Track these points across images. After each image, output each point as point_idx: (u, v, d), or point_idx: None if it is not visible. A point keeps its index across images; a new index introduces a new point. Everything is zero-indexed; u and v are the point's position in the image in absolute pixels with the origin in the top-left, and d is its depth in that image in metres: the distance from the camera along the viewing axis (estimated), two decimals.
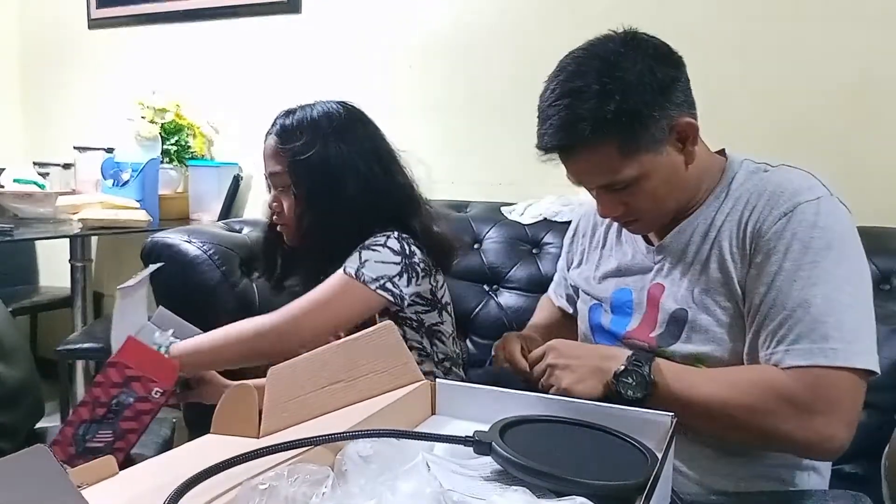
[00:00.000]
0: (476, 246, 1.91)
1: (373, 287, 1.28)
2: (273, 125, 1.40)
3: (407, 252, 1.32)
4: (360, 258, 1.29)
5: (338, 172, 1.33)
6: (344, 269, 1.29)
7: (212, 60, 2.85)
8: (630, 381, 0.97)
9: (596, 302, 1.24)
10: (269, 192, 1.42)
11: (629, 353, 1.02)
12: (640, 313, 1.14)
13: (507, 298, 1.82)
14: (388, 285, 1.29)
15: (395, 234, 1.33)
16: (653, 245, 1.15)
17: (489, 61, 2.21)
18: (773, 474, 1.07)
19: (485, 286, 1.86)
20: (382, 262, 1.29)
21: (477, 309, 1.84)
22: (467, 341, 1.81)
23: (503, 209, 1.98)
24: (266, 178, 1.40)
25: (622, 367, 0.99)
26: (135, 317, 1.32)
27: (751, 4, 1.88)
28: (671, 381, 0.99)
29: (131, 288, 1.28)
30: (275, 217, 1.39)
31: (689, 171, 1.06)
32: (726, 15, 1.90)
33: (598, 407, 0.79)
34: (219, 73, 2.83)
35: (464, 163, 2.16)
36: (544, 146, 1.04)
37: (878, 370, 0.93)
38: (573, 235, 1.38)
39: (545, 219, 1.90)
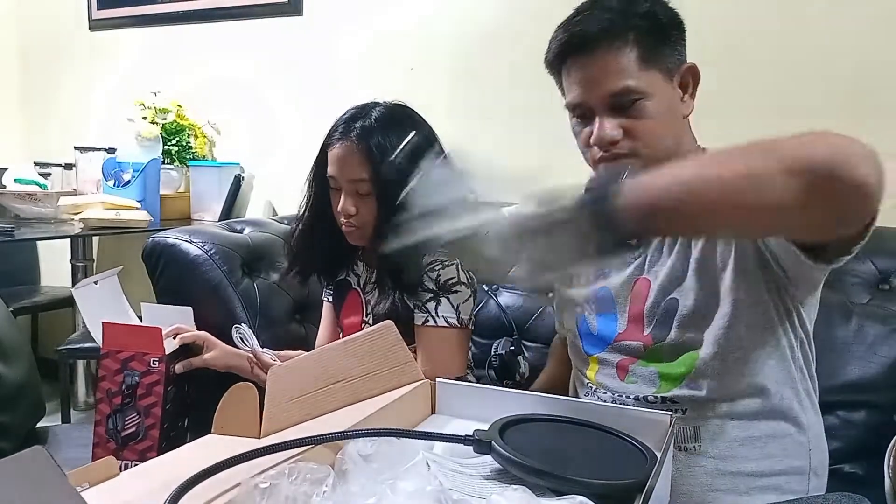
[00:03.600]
0: None
1: (471, 326, 1.39)
2: (347, 130, 1.35)
3: (470, 280, 1.38)
4: (452, 304, 1.34)
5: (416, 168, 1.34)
6: (446, 321, 1.34)
7: (213, 61, 2.85)
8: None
9: (580, 307, 1.20)
10: (334, 196, 1.39)
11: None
12: (625, 312, 1.14)
13: (508, 298, 1.82)
14: (473, 316, 1.39)
15: (456, 262, 1.36)
16: None
17: (490, 63, 2.20)
18: (772, 485, 1.06)
19: (484, 286, 1.86)
20: (466, 301, 1.36)
21: (477, 309, 1.84)
22: None
23: (503, 209, 1.98)
24: (336, 181, 1.37)
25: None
26: (110, 307, 1.35)
27: (750, 4, 1.88)
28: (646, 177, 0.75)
29: (90, 288, 1.31)
30: (346, 219, 1.37)
31: (684, 123, 1.09)
32: (726, 15, 1.90)
33: (598, 406, 0.79)
34: (220, 74, 2.83)
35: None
36: (567, 38, 1.04)
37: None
38: None
39: None
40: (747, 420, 1.06)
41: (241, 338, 1.36)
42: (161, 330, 1.28)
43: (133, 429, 1.22)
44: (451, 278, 1.34)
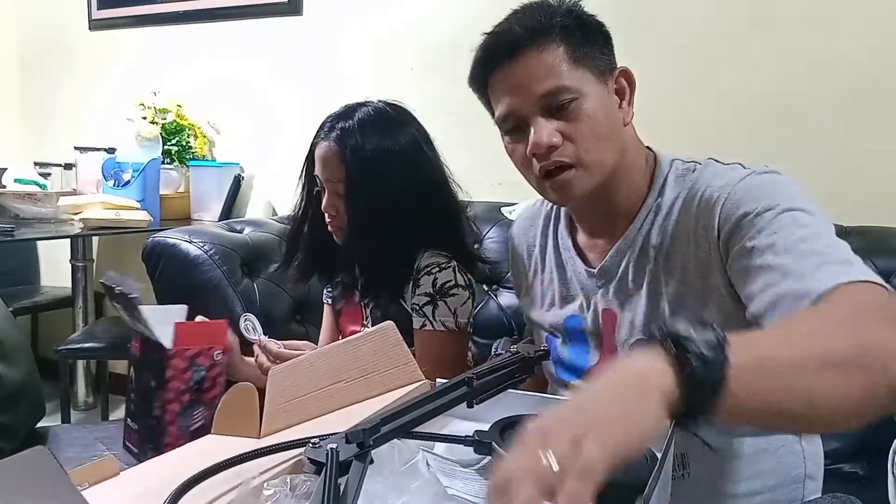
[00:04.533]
0: (476, 246, 1.91)
1: (468, 329, 1.38)
2: (330, 130, 1.35)
3: (468, 282, 1.37)
4: (450, 308, 1.34)
5: (397, 176, 1.34)
6: (443, 325, 1.33)
7: (213, 61, 2.85)
8: (695, 348, 0.58)
9: (549, 332, 1.16)
10: (323, 194, 1.38)
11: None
12: (596, 343, 1.09)
13: (508, 298, 1.82)
14: (471, 318, 1.38)
15: (454, 264, 1.36)
16: (592, 268, 1.08)
17: None
18: (766, 500, 1.03)
19: (484, 286, 1.86)
20: (463, 304, 1.35)
21: (477, 309, 1.84)
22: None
23: (503, 209, 1.98)
24: (320, 181, 1.37)
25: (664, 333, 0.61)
26: (166, 311, 1.33)
27: (751, 7, 1.88)
28: (742, 346, 0.61)
29: (158, 309, 1.30)
30: (329, 220, 1.37)
31: (626, 132, 1.03)
32: (726, 18, 1.90)
33: None
34: (220, 74, 2.83)
35: (464, 163, 2.16)
36: (491, 43, 1.00)
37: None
38: (511, 263, 1.29)
39: None
40: (737, 439, 1.02)
41: (249, 327, 1.35)
42: (227, 322, 1.28)
43: (201, 422, 1.23)
44: (448, 281, 1.34)
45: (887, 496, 0.87)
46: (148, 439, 1.24)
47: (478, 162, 2.14)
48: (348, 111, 1.38)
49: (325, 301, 1.58)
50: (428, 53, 2.34)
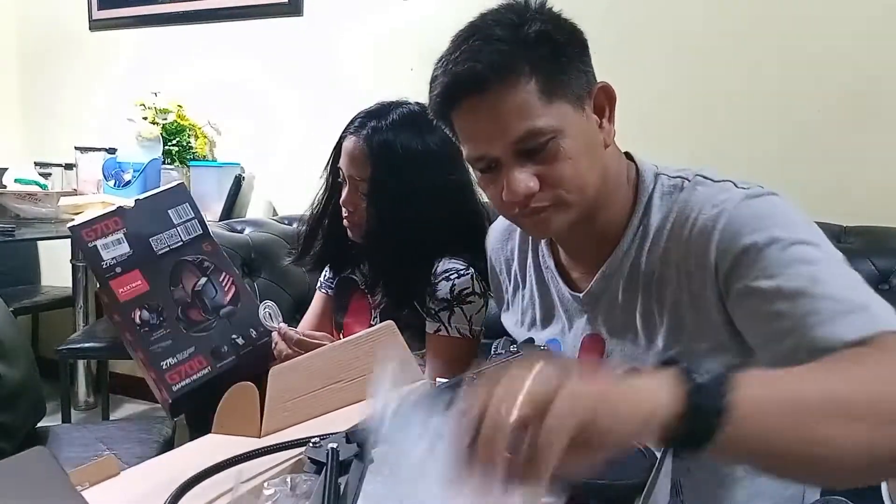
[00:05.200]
0: None
1: (481, 337, 1.37)
2: (361, 126, 1.33)
3: (483, 290, 1.36)
4: (465, 315, 1.33)
5: (424, 179, 1.32)
6: (459, 331, 1.33)
7: (214, 62, 2.85)
8: (698, 378, 0.57)
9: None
10: (343, 187, 1.36)
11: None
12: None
13: None
14: (483, 326, 1.37)
15: (472, 272, 1.35)
16: (576, 291, 1.01)
17: None
18: None
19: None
20: (478, 311, 1.35)
21: None
22: None
23: None
24: (343, 174, 1.35)
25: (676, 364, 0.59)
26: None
27: (751, 8, 1.88)
28: (758, 375, 0.60)
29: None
30: (347, 214, 1.36)
31: (607, 154, 0.93)
32: (727, 19, 1.90)
33: None
34: (221, 75, 2.83)
35: None
36: (452, 80, 0.87)
37: None
38: (490, 275, 1.22)
39: None
40: (731, 463, 0.95)
41: (269, 314, 1.29)
42: None
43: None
44: (466, 288, 1.33)
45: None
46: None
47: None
48: (382, 109, 1.35)
49: (321, 289, 1.56)
50: (428, 53, 2.33)
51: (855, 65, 1.76)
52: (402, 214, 1.32)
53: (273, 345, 1.30)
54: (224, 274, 1.27)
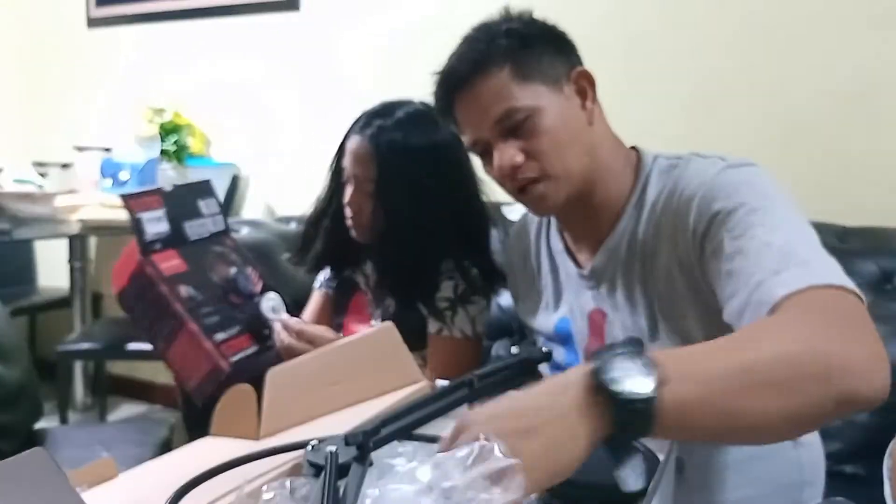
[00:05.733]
0: None
1: (483, 338, 1.38)
2: (366, 126, 1.32)
3: (487, 291, 1.37)
4: (469, 315, 1.33)
5: (432, 179, 1.31)
6: (462, 332, 1.33)
7: (211, 59, 2.85)
8: (617, 372, 0.59)
9: (544, 338, 1.17)
10: (347, 187, 1.35)
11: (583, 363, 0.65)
12: (583, 345, 1.09)
13: (508, 299, 1.81)
14: (485, 328, 1.38)
15: (475, 272, 1.35)
16: (582, 268, 1.09)
17: None
18: None
19: None
20: (482, 312, 1.36)
21: None
22: None
23: (503, 209, 1.98)
24: (347, 174, 1.34)
25: (594, 366, 0.60)
26: None
27: (751, 4, 1.88)
28: (676, 362, 0.63)
29: None
30: (351, 215, 1.34)
31: (594, 132, 1.03)
32: (727, 16, 1.90)
33: None
34: (217, 72, 2.82)
35: None
36: (443, 80, 1.04)
37: (863, 298, 0.79)
38: (508, 272, 1.31)
39: None
40: (734, 447, 1.00)
41: (271, 307, 1.28)
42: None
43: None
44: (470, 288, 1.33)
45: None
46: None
47: (478, 162, 2.13)
48: (387, 109, 1.34)
49: (321, 288, 1.54)
50: (427, 52, 2.33)
51: (855, 64, 1.76)
52: (411, 213, 1.31)
53: (276, 335, 1.27)
54: (250, 268, 1.29)
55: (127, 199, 1.18)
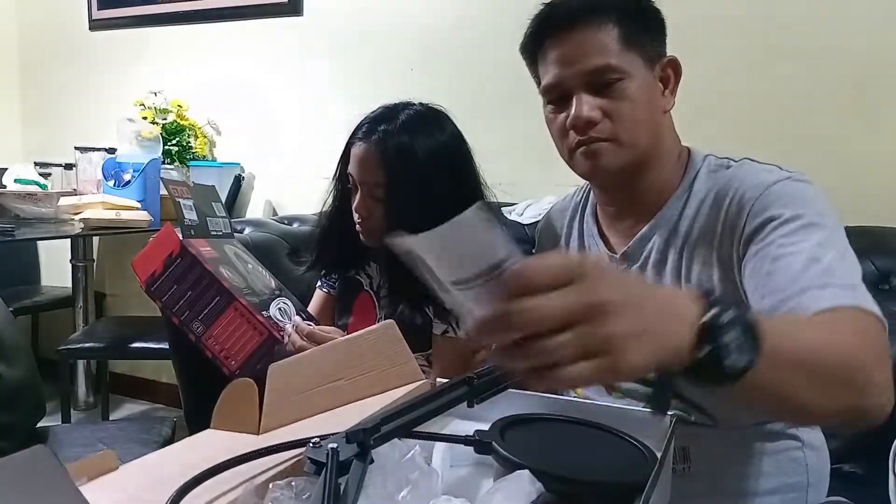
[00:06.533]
0: None
1: None
2: (370, 132, 1.31)
3: None
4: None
5: (439, 180, 1.31)
6: (456, 330, 1.32)
7: (213, 61, 2.86)
8: (733, 336, 0.58)
9: None
10: (354, 193, 1.35)
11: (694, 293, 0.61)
12: None
13: None
14: None
15: None
16: (615, 253, 1.10)
17: (489, 63, 2.20)
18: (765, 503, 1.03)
19: None
20: None
21: None
22: None
23: (503, 209, 1.98)
24: (352, 180, 1.34)
25: (713, 312, 0.58)
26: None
27: (752, 4, 1.88)
28: (774, 331, 0.62)
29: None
30: (359, 220, 1.34)
31: (665, 119, 1.05)
32: (727, 15, 1.90)
33: (599, 406, 0.79)
34: (220, 74, 2.83)
35: None
36: (547, 14, 1.02)
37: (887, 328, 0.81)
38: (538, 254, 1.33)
39: None
40: (740, 437, 1.03)
41: (281, 310, 1.29)
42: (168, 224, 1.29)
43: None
44: None
45: (888, 496, 0.87)
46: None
47: (478, 162, 2.14)
48: (389, 113, 1.34)
49: (322, 287, 1.55)
50: (428, 54, 2.34)
51: (855, 63, 1.76)
52: (421, 215, 1.30)
53: (286, 337, 1.28)
54: (262, 267, 1.33)
55: (167, 182, 1.25)
